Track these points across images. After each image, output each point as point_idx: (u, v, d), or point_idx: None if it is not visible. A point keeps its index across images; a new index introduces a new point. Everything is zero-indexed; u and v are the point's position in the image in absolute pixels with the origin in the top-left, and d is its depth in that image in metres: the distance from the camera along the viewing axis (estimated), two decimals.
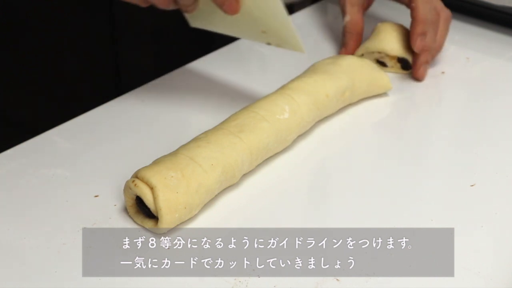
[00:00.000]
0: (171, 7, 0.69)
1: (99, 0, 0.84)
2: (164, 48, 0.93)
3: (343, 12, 0.91)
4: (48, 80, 0.85)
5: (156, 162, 0.63)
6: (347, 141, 0.76)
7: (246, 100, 0.74)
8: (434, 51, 0.87)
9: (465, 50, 0.94)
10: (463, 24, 1.00)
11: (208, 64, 0.88)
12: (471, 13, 1.00)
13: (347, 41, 0.89)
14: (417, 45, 0.83)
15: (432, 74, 0.88)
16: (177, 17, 0.75)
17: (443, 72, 0.89)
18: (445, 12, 0.88)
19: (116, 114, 0.78)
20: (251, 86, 0.83)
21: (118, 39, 0.88)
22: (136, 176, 0.62)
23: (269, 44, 0.74)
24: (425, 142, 0.78)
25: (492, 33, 0.98)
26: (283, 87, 0.74)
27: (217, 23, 0.75)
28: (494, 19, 0.99)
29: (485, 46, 0.96)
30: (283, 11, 0.68)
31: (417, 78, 0.86)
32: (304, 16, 1.02)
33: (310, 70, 0.78)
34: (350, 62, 0.79)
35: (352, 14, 0.89)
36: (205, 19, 0.75)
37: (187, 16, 0.76)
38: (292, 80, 0.76)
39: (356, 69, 0.79)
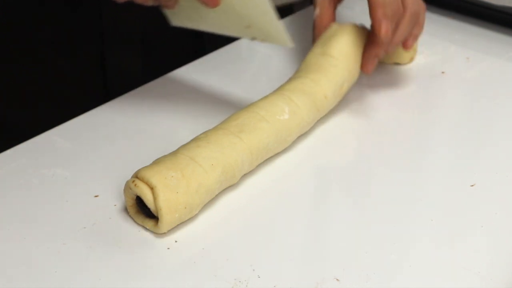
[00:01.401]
0: (150, 2, 0.67)
1: (90, 3, 0.84)
2: (154, 51, 0.92)
3: (314, 5, 0.84)
4: (46, 81, 0.85)
5: (156, 162, 0.63)
6: (347, 141, 0.76)
7: (240, 105, 0.74)
8: (389, 46, 0.77)
9: (465, 50, 0.94)
10: (463, 24, 1.00)
11: (206, 66, 0.88)
12: (471, 13, 1.00)
13: (315, 37, 0.82)
14: (383, 29, 0.72)
15: (432, 74, 0.88)
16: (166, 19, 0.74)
17: (443, 72, 0.89)
18: (414, 6, 0.77)
19: (116, 114, 0.78)
20: (242, 91, 0.82)
21: (107, 41, 0.87)
22: (136, 176, 0.62)
23: (254, 39, 0.72)
24: (425, 142, 0.78)
25: (492, 33, 0.98)
26: (281, 88, 0.73)
27: (199, 20, 0.72)
28: (494, 19, 0.99)
29: (485, 46, 0.96)
30: (267, 4, 0.66)
31: (363, 71, 0.78)
32: (304, 16, 1.02)
33: (303, 68, 0.76)
34: (340, 48, 0.76)
35: (322, 8, 0.82)
36: (186, 16, 0.72)
37: (168, 13, 0.74)
38: (289, 81, 0.75)
39: (349, 54, 0.76)
